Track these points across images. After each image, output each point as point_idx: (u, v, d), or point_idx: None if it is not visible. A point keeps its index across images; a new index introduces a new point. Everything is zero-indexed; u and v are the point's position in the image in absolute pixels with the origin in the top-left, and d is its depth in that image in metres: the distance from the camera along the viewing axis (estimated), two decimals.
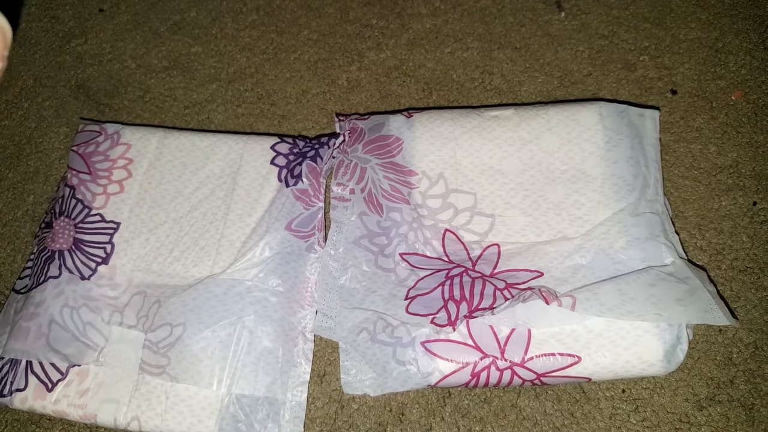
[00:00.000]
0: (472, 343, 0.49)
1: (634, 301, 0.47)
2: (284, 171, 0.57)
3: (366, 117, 0.60)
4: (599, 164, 0.54)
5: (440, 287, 0.51)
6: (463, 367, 0.48)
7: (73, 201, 0.57)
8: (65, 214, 0.57)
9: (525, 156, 0.56)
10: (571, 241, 0.52)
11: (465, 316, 0.48)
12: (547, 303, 0.47)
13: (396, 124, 0.58)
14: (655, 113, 0.56)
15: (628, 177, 0.53)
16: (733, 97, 0.62)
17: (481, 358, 0.48)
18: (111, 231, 0.56)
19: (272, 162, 0.58)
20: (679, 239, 0.52)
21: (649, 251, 0.50)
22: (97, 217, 0.57)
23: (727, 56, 0.64)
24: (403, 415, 0.52)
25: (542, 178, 0.55)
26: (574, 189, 0.54)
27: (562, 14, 0.68)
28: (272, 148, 0.59)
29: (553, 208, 0.54)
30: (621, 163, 0.54)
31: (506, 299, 0.48)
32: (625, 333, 0.47)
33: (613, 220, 0.52)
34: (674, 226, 0.53)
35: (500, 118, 0.57)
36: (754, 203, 0.57)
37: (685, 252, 0.52)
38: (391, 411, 0.52)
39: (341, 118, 0.60)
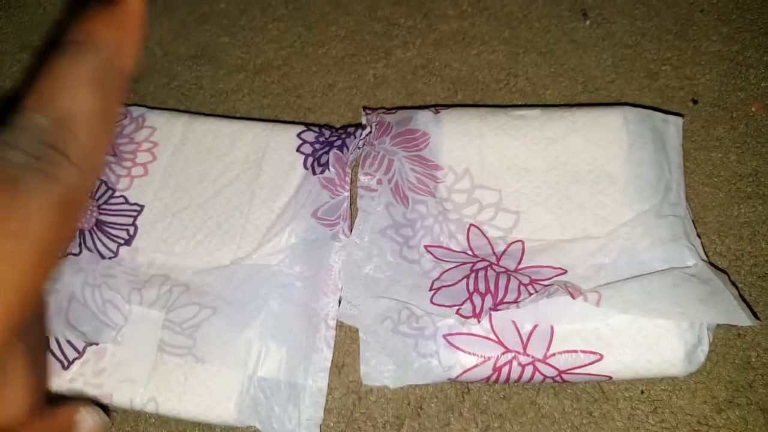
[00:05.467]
0: (495, 338, 0.49)
1: (657, 299, 0.47)
2: (310, 159, 0.58)
3: (393, 111, 0.61)
4: (623, 166, 0.55)
5: (465, 279, 0.51)
6: (485, 362, 0.48)
7: (97, 182, 0.57)
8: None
9: (550, 155, 0.56)
10: (594, 240, 0.52)
11: (490, 309, 0.48)
12: (573, 298, 0.47)
13: (423, 119, 0.58)
14: (679, 120, 0.57)
15: (651, 180, 0.54)
16: (753, 109, 0.63)
17: (503, 353, 0.48)
18: (135, 213, 0.56)
19: (298, 149, 0.58)
20: (701, 243, 0.53)
21: (671, 252, 0.51)
22: (121, 199, 0.57)
23: (748, 69, 0.65)
24: (421, 408, 0.52)
25: (567, 178, 0.55)
26: (598, 189, 0.55)
27: (587, 22, 0.69)
28: (298, 135, 0.59)
29: (577, 208, 0.54)
30: (644, 166, 0.54)
31: (530, 294, 0.49)
32: (647, 332, 0.48)
33: (637, 221, 0.52)
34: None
35: (527, 118, 0.58)
36: None
37: (707, 256, 0.53)
38: (409, 404, 0.52)
39: (368, 111, 0.61)
